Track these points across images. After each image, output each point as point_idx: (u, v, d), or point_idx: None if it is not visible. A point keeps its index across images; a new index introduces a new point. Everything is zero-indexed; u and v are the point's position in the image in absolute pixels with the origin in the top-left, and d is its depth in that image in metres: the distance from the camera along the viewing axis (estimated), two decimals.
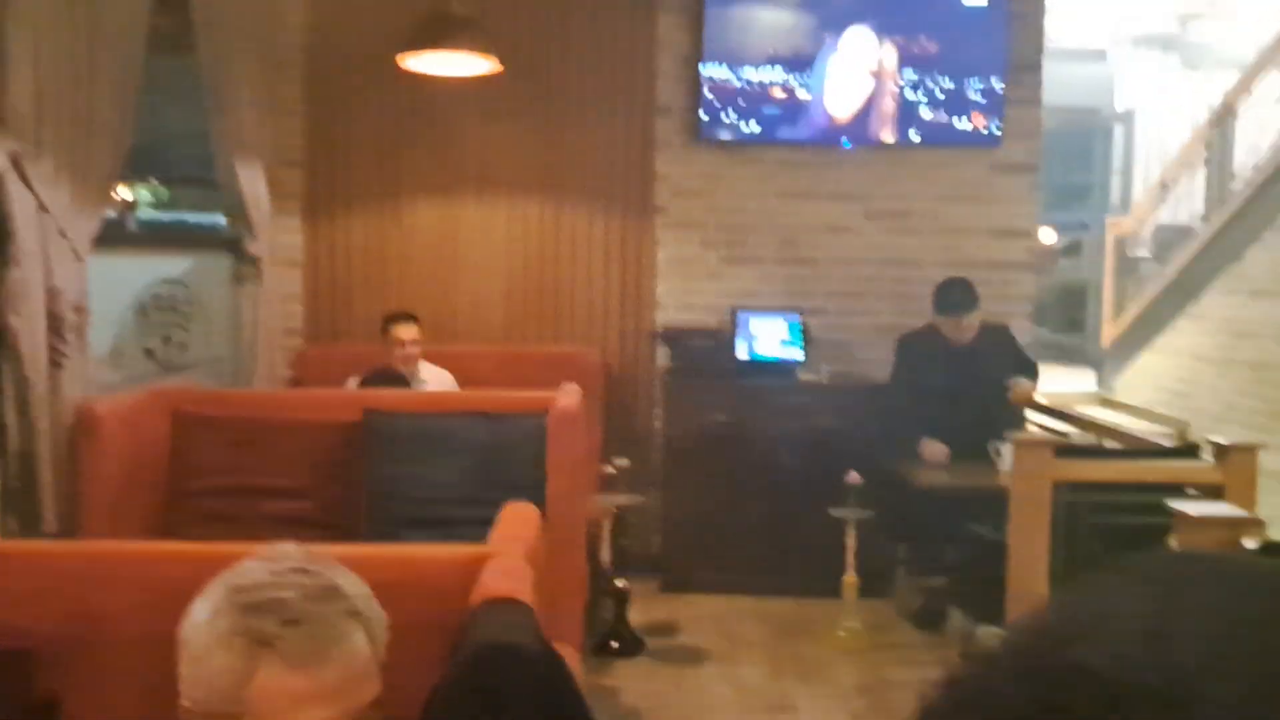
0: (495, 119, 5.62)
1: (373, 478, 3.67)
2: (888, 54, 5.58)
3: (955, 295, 4.76)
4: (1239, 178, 6.89)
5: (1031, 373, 4.91)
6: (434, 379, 4.87)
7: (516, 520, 2.64)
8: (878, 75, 5.59)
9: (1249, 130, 7.11)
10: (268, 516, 3.59)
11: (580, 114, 5.65)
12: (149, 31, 3.83)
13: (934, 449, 4.60)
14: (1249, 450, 3.51)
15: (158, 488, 3.69)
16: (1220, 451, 3.50)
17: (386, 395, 4.09)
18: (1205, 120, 7.57)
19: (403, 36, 4.69)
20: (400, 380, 4.48)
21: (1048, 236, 11.65)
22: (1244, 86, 7.12)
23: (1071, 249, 11.42)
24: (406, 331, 4.77)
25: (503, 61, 4.82)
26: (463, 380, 4.95)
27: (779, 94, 5.57)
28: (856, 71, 5.59)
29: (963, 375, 4.70)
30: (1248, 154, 6.97)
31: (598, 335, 5.66)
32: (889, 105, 5.61)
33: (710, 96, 5.54)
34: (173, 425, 3.77)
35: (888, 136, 5.64)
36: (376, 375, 4.43)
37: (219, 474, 3.70)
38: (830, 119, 5.61)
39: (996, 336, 4.93)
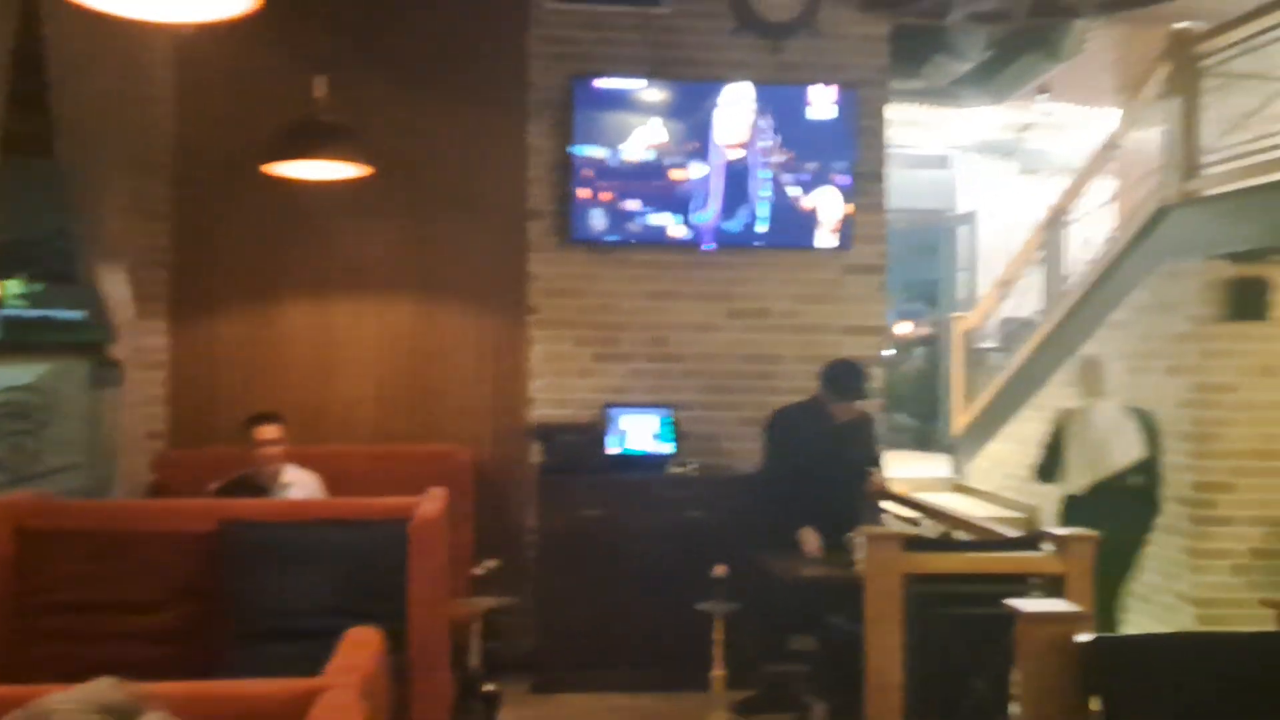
0: (368, 219, 5.70)
1: (231, 591, 3.61)
2: (749, 161, 5.87)
3: (855, 382, 4.94)
4: (1072, 276, 7.41)
5: (878, 463, 5.13)
6: (300, 482, 4.82)
7: (356, 648, 2.60)
8: (738, 180, 5.87)
9: (1081, 231, 7.66)
10: (121, 633, 3.48)
11: (454, 215, 5.77)
12: (8, 134, 3.79)
13: (810, 538, 4.72)
14: (1086, 540, 3.75)
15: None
16: (1060, 542, 3.73)
17: (244, 505, 4.03)
18: (1041, 222, 8.12)
19: (274, 141, 4.74)
20: (259, 489, 4.42)
21: (903, 328, 12.20)
22: (1073, 192, 7.69)
23: (927, 340, 11.98)
24: (268, 432, 4.73)
25: (375, 163, 4.92)
26: (332, 481, 4.91)
27: (647, 197, 5.79)
28: (718, 176, 5.86)
29: (836, 452, 4.89)
30: (1085, 247, 7.49)
31: (471, 433, 5.70)
32: (748, 210, 5.89)
33: (580, 200, 5.73)
34: (17, 538, 3.62)
35: (747, 239, 5.90)
36: (233, 485, 4.37)
37: (68, 589, 3.56)
38: (695, 221, 5.85)
39: (863, 421, 5.15)
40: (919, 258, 11.96)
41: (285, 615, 3.53)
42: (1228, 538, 5.65)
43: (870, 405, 5.90)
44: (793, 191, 5.89)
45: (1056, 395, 7.09)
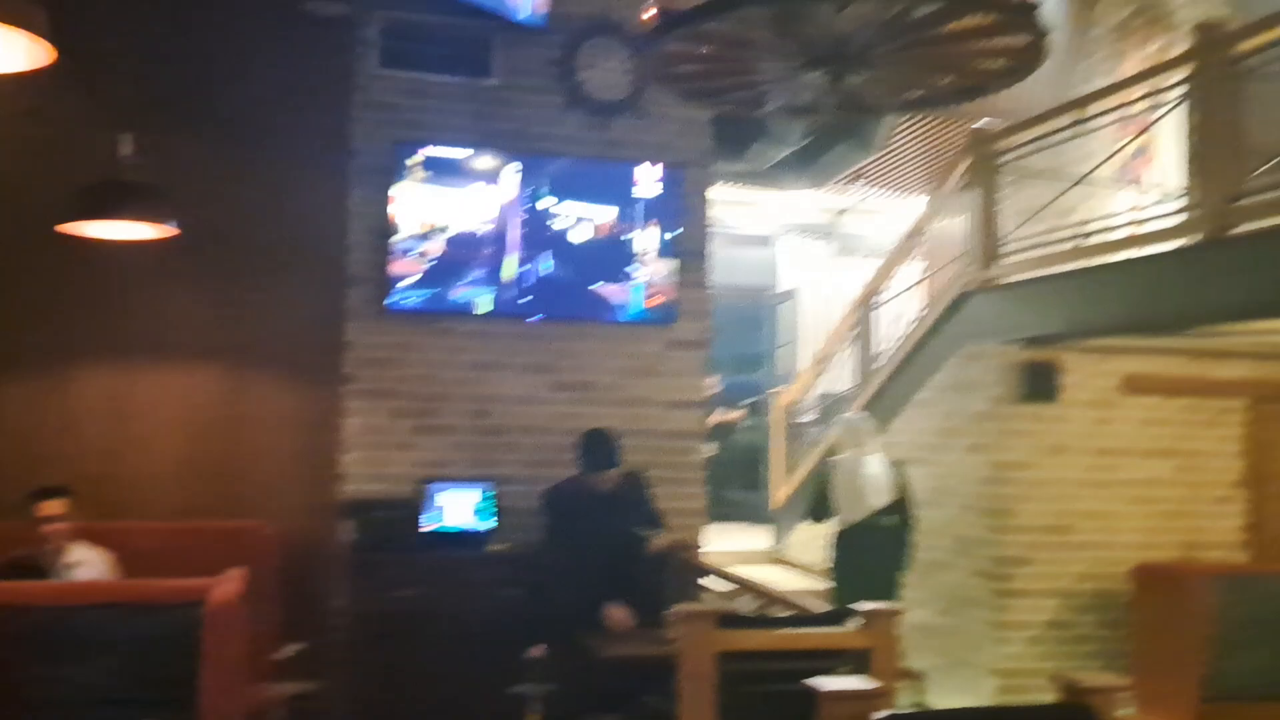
0: (175, 283, 5.44)
1: (5, 682, 3.31)
2: (576, 234, 5.91)
3: (604, 451, 4.95)
4: (883, 355, 7.73)
5: (657, 523, 5.14)
6: (88, 561, 4.49)
7: None
8: (562, 253, 5.89)
9: (892, 312, 8.02)
10: None
11: (268, 280, 5.57)
12: None
13: (616, 614, 4.69)
14: (891, 615, 3.85)
15: None
16: (867, 617, 3.81)
17: (18, 588, 3.72)
18: (854, 302, 8.46)
19: (72, 199, 4.48)
20: (37, 570, 4.09)
21: (733, 413, 12.41)
22: (884, 275, 8.05)
23: (753, 411, 12.24)
24: (50, 508, 4.40)
25: (184, 224, 4.71)
26: (127, 560, 4.60)
27: (471, 267, 5.74)
28: (544, 248, 5.87)
29: (610, 521, 4.88)
30: (895, 327, 7.83)
31: (279, 508, 5.44)
32: (572, 282, 5.91)
33: (402, 268, 5.63)
34: None
35: (574, 312, 5.92)
36: (8, 566, 4.02)
37: None
38: (520, 293, 5.82)
39: (633, 486, 5.16)
40: (745, 333, 12.27)
41: (65, 708, 3.26)
42: (1025, 610, 5.92)
43: (689, 480, 6.01)
44: (619, 267, 5.95)
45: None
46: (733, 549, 8.24)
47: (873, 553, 5.78)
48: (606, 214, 5.94)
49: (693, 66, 3.90)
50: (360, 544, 5.34)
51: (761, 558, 8.50)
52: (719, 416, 10.09)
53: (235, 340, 5.52)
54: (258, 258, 5.57)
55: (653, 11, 3.65)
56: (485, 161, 5.80)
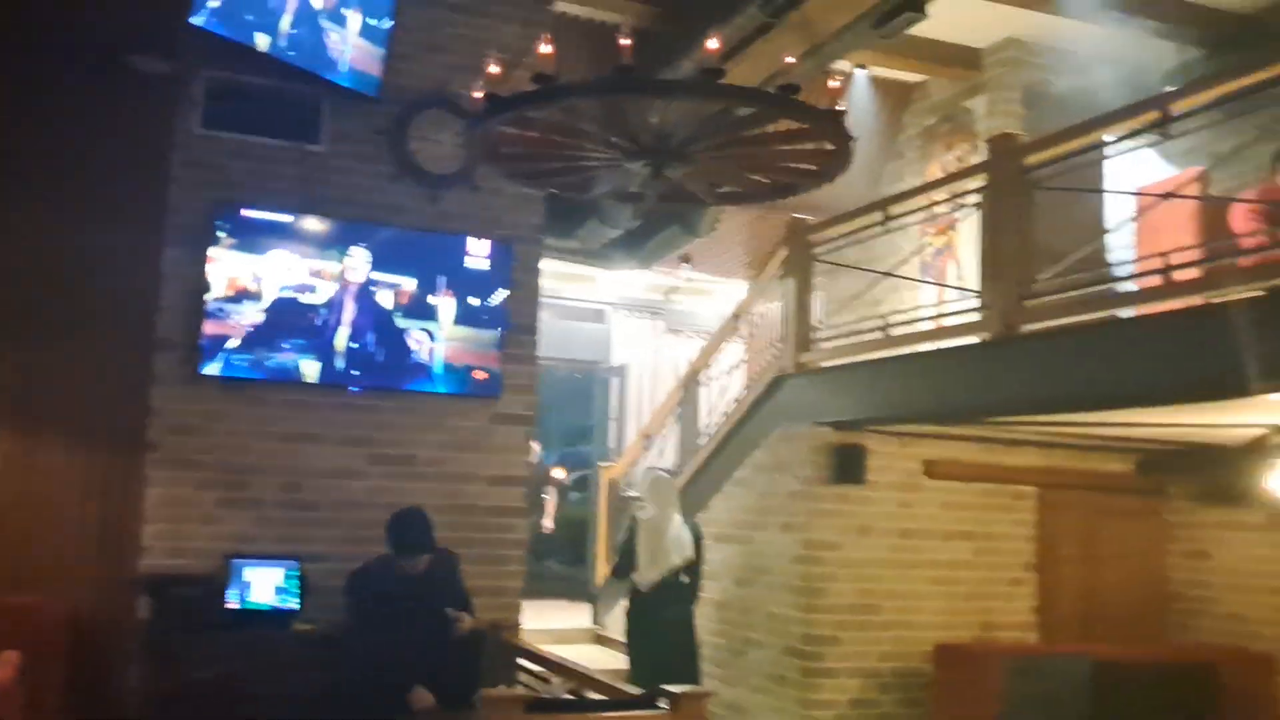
0: None
1: None
2: (396, 302, 5.85)
3: (413, 534, 4.85)
4: (705, 433, 7.90)
5: (468, 605, 5.07)
6: None
7: None
8: (387, 324, 5.82)
9: (715, 390, 8.22)
10: None
11: (67, 341, 5.30)
12: None
13: (423, 698, 4.59)
14: (699, 697, 3.90)
15: None
16: (673, 700, 3.85)
17: None
18: (679, 379, 8.65)
19: None
20: None
21: (558, 473, 12.40)
22: (707, 355, 8.27)
23: (580, 484, 12.24)
24: None
25: None
26: None
27: (288, 334, 5.60)
28: (366, 318, 5.78)
29: (418, 604, 4.78)
30: (718, 406, 8.01)
31: (70, 584, 5.11)
32: (396, 353, 5.84)
33: (214, 333, 5.44)
34: None
35: (395, 383, 5.84)
36: None
37: None
38: (338, 362, 5.71)
39: (445, 563, 5.07)
40: (576, 406, 12.34)
41: None
42: (832, 689, 6.07)
43: (509, 557, 5.95)
44: (444, 338, 5.92)
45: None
46: (553, 627, 8.18)
47: (668, 608, 6.10)
48: (433, 284, 5.91)
49: (520, 148, 3.99)
50: (157, 622, 5.06)
51: (582, 636, 8.45)
52: (552, 478, 10.10)
53: (25, 403, 5.20)
54: (58, 316, 5.29)
55: (482, 92, 3.72)
56: (310, 226, 5.71)
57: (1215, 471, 6.19)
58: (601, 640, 8.29)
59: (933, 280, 7.58)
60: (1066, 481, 6.56)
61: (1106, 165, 6.55)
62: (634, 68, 3.27)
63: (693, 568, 6.24)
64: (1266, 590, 6.17)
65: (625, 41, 3.29)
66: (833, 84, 3.64)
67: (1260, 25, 6.82)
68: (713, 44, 3.37)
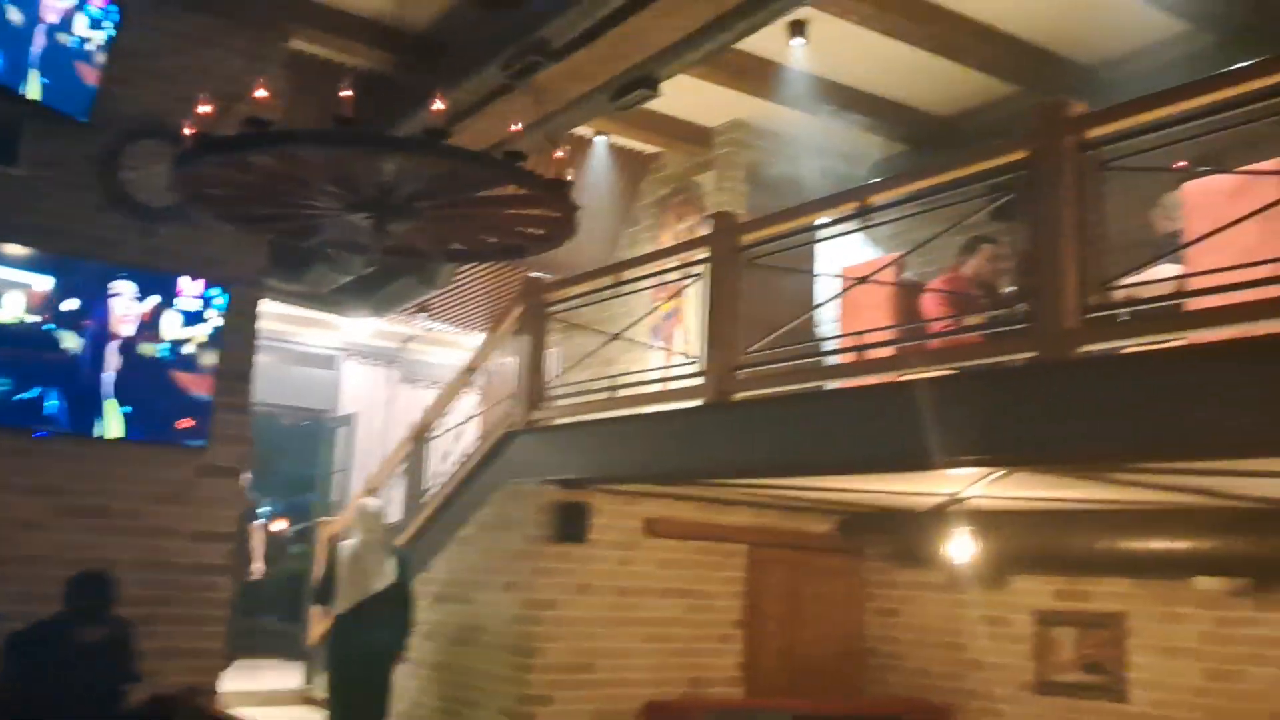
0: None
1: None
2: (99, 345, 5.44)
3: (93, 600, 4.55)
4: (433, 488, 7.75)
5: (137, 677, 4.76)
6: None
7: None
8: (79, 364, 5.40)
9: (447, 444, 8.09)
10: None
11: None
12: None
13: None
14: None
15: None
16: None
17: None
18: (409, 432, 8.45)
19: None
20: None
21: (278, 525, 11.81)
22: (438, 408, 8.14)
23: (301, 536, 11.70)
24: None
25: None
26: None
27: None
28: (55, 356, 5.34)
29: (80, 674, 4.45)
30: (448, 460, 7.88)
31: None
32: (93, 398, 5.42)
33: None
34: None
35: (86, 428, 5.40)
36: None
37: None
38: (22, 404, 5.22)
39: (118, 635, 4.75)
40: (301, 455, 11.81)
41: None
42: None
43: (210, 618, 5.60)
44: (146, 383, 5.55)
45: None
46: (261, 688, 7.75)
47: (372, 632, 6.16)
48: (141, 326, 5.55)
49: (231, 191, 3.83)
50: None
51: (291, 698, 8.04)
52: (264, 531, 9.58)
53: None
54: None
55: (191, 129, 3.55)
56: (6, 253, 5.23)
57: (906, 535, 6.69)
58: (310, 702, 7.91)
59: (661, 343, 7.83)
60: (774, 541, 6.89)
61: (821, 246, 7.08)
62: (353, 120, 3.22)
63: (402, 595, 6.35)
64: (944, 645, 6.70)
65: (346, 93, 3.24)
66: (559, 154, 3.72)
67: (955, 128, 7.55)
68: (438, 105, 3.37)
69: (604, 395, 6.18)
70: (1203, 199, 4.21)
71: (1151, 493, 4.87)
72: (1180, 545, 5.36)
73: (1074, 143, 3.92)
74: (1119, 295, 4.24)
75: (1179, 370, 3.65)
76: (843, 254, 6.84)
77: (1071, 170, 3.90)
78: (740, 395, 5.22)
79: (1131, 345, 4.00)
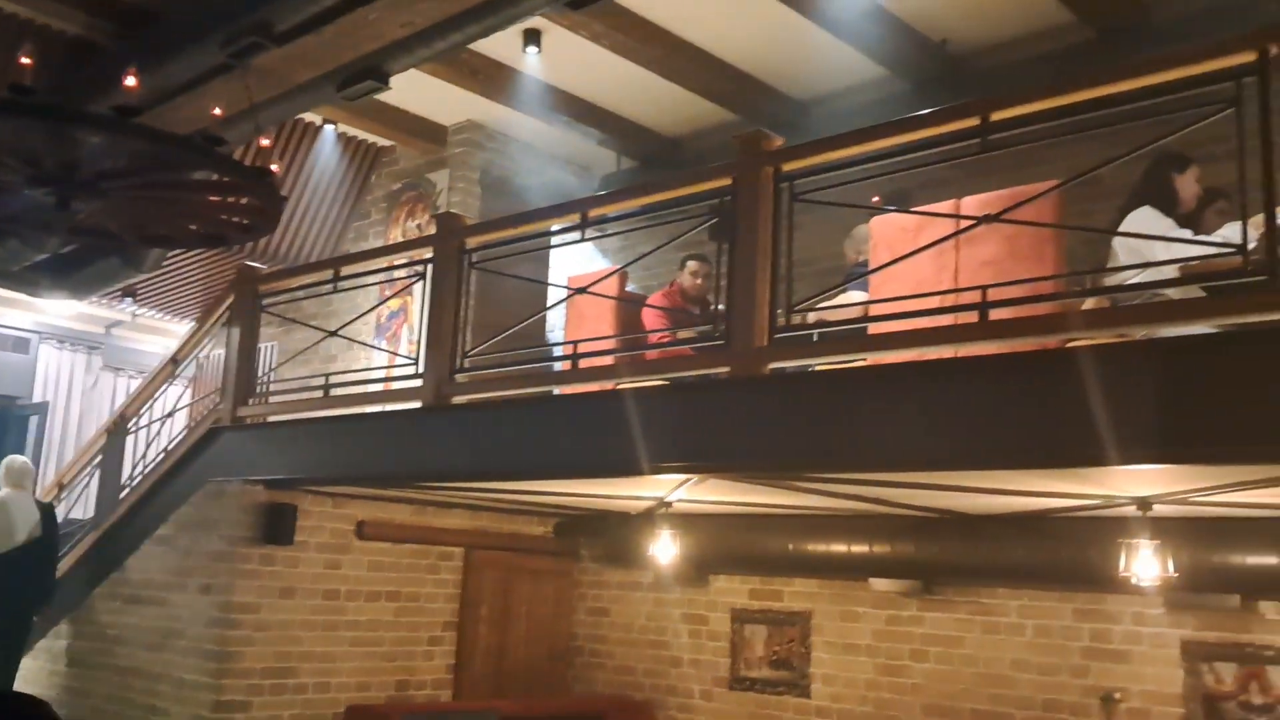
0: None
1: None
2: None
3: None
4: (129, 485, 7.24)
5: None
6: None
7: None
8: None
9: (149, 437, 7.57)
10: None
11: None
12: None
13: None
14: None
15: None
16: None
17: None
18: (105, 424, 7.86)
19: None
20: None
21: None
22: (139, 399, 7.60)
23: None
24: None
25: None
26: None
27: None
28: None
29: None
30: (150, 454, 7.37)
31: None
32: None
33: None
34: None
35: None
36: None
37: None
38: None
39: None
40: None
41: None
42: None
43: None
44: None
45: (99, 609, 6.77)
46: None
47: (16, 581, 6.37)
48: None
49: None
50: None
51: None
52: None
53: None
54: None
55: None
56: None
57: (618, 537, 6.89)
58: None
59: (385, 342, 7.69)
60: (491, 543, 6.93)
61: (556, 253, 7.19)
62: (31, 89, 2.99)
63: (49, 551, 6.58)
64: (649, 644, 6.96)
65: (25, 60, 3.01)
66: (265, 142, 3.60)
67: (681, 148, 7.85)
68: (131, 80, 3.19)
69: (320, 394, 6.00)
70: (887, 233, 4.58)
71: (834, 500, 5.26)
72: (859, 549, 5.83)
73: (771, 173, 4.18)
74: (813, 317, 4.58)
75: (859, 388, 3.97)
76: (577, 263, 6.98)
77: (768, 199, 4.16)
78: (458, 399, 5.21)
79: (820, 364, 4.32)
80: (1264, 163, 3.04)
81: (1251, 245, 3.19)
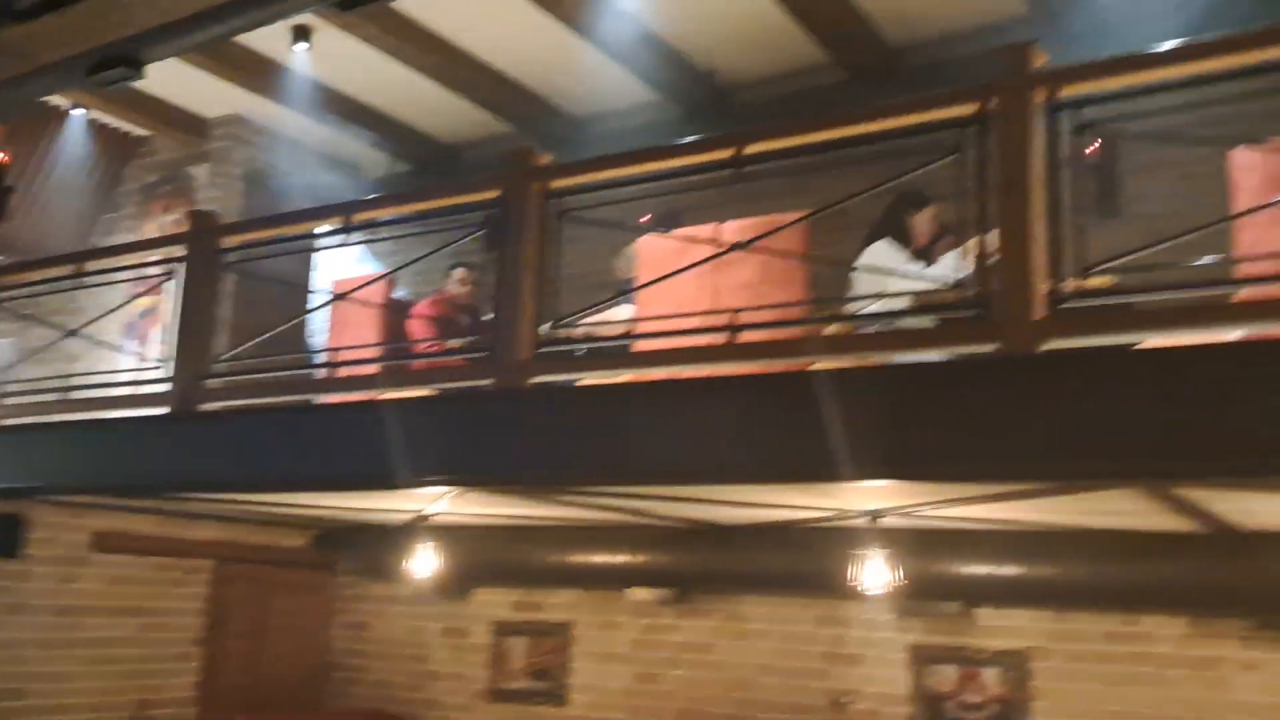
0: None
1: None
2: None
3: None
4: None
5: None
6: None
7: None
8: None
9: None
10: None
11: None
12: None
13: None
14: None
15: None
16: None
17: None
18: None
19: None
20: None
21: None
22: None
23: None
24: None
25: None
26: None
27: None
28: None
29: None
30: None
31: None
32: None
33: None
34: None
35: None
36: None
37: None
38: None
39: None
40: None
41: None
42: None
43: None
44: None
45: None
46: None
47: None
48: None
49: None
50: None
51: None
52: None
53: None
54: None
55: None
56: None
57: (377, 550, 6.75)
58: None
59: (134, 343, 7.25)
60: (243, 555, 6.65)
61: (321, 257, 6.95)
62: None
63: None
64: (407, 657, 6.87)
65: None
66: None
67: (458, 156, 7.81)
68: None
69: (56, 397, 5.59)
70: (653, 253, 4.72)
71: (594, 512, 5.36)
72: (618, 559, 5.96)
73: (540, 189, 4.23)
74: (580, 332, 4.64)
75: (622, 403, 4.06)
76: (348, 266, 6.80)
77: (535, 214, 4.21)
78: (207, 406, 4.98)
79: (586, 378, 4.38)
80: (978, 206, 3.34)
81: (964, 275, 3.49)
